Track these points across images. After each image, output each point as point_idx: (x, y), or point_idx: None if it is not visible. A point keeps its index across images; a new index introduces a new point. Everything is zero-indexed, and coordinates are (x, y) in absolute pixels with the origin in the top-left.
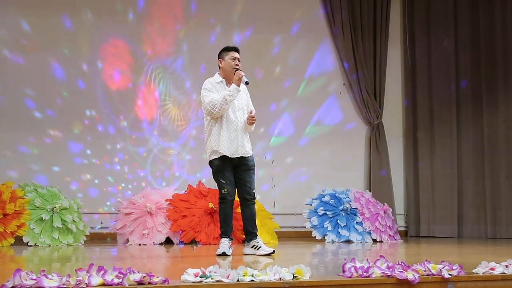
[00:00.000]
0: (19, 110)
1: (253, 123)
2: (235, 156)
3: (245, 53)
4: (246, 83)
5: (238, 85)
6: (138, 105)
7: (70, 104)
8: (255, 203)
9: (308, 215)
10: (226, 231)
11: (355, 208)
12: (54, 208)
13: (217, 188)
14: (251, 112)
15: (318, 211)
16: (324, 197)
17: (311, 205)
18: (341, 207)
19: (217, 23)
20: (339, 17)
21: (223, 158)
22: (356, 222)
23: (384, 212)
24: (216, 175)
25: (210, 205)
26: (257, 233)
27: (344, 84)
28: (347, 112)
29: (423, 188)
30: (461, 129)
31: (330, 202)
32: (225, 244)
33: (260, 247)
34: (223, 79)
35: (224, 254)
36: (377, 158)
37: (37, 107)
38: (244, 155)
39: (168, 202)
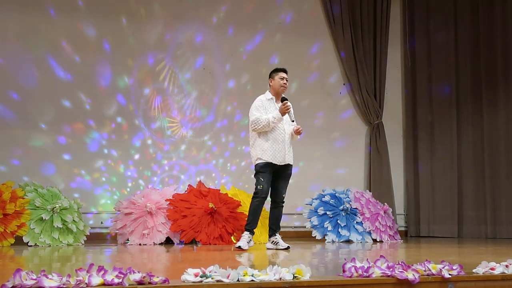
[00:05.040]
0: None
1: (301, 132)
2: (282, 164)
3: (245, 54)
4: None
5: (283, 115)
6: (135, 106)
7: (69, 104)
8: (283, 206)
9: (308, 215)
10: (250, 224)
11: (355, 208)
12: (54, 208)
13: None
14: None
15: (318, 211)
16: (324, 197)
17: (311, 205)
18: (341, 207)
19: (215, 23)
20: (339, 17)
21: (268, 163)
22: (356, 222)
23: (384, 212)
24: (257, 174)
25: (210, 205)
26: (278, 231)
27: (344, 84)
28: (347, 112)
29: (423, 188)
30: (461, 129)
31: (330, 202)
32: (244, 238)
33: (278, 242)
34: (273, 97)
35: (239, 248)
36: (377, 158)
37: (38, 107)
38: (290, 163)
39: (168, 202)
